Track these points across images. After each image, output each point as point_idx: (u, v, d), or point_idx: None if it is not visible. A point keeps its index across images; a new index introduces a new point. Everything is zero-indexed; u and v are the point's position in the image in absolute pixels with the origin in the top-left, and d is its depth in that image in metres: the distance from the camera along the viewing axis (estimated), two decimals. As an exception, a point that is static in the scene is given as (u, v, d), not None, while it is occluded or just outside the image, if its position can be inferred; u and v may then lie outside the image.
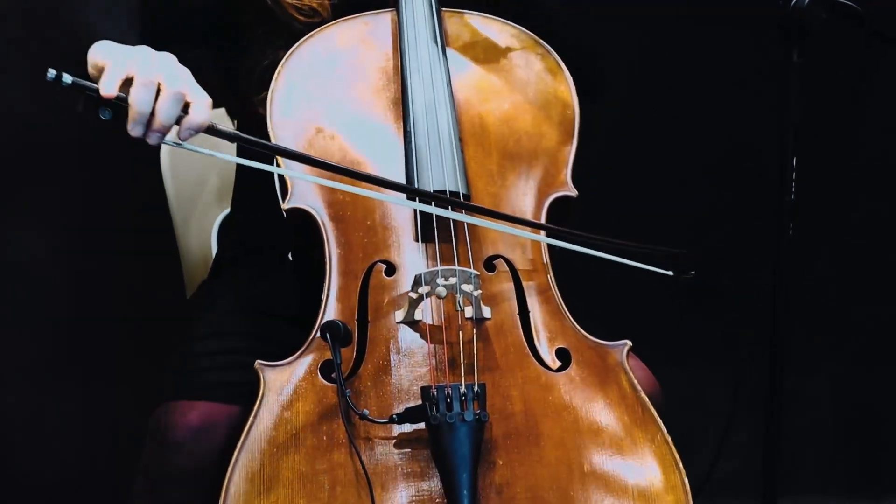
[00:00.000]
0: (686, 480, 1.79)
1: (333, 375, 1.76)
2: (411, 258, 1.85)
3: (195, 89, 1.68)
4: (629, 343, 1.87)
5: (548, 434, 1.78)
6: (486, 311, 1.82)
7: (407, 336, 1.81)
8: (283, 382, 1.78)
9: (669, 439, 1.81)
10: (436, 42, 1.97)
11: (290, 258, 2.02)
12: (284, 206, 1.86)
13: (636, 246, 1.88)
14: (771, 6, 2.03)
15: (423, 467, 1.74)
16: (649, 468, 1.78)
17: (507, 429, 1.77)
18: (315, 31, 1.97)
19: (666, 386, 1.99)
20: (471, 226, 1.85)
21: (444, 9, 2.02)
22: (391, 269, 1.85)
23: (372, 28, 1.99)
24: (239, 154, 1.92)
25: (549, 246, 1.91)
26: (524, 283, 1.87)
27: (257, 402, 1.76)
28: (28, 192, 2.82)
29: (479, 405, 1.74)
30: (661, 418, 1.82)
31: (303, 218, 1.86)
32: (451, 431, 1.71)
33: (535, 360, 1.83)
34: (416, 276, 1.79)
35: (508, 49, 2.01)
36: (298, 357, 1.80)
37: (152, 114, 1.64)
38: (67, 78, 1.58)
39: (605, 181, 1.95)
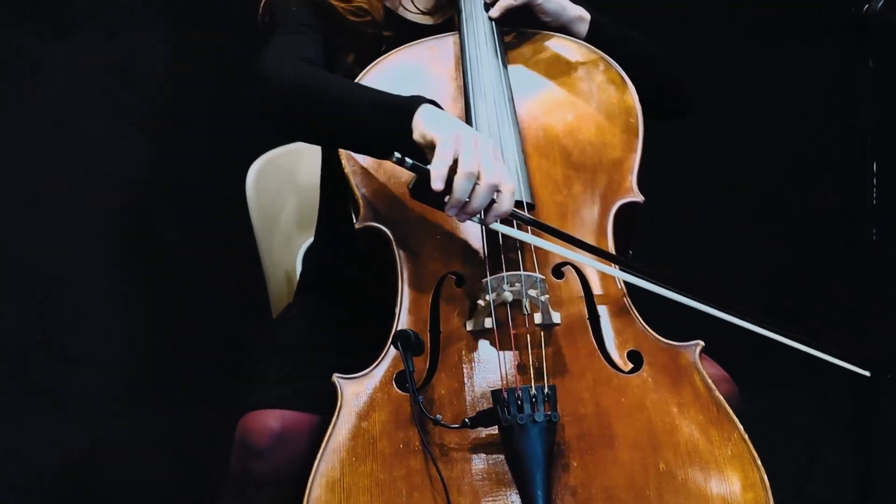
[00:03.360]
0: (765, 477, 1.78)
1: (407, 385, 1.80)
2: (480, 268, 1.88)
3: (505, 178, 1.78)
4: (701, 343, 1.87)
5: (622, 435, 1.79)
6: (556, 317, 1.85)
7: (477, 343, 1.85)
8: (360, 393, 1.83)
9: (747, 437, 1.80)
10: (497, 60, 2.01)
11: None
12: (357, 225, 1.92)
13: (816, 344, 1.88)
14: (844, 11, 2.02)
15: (498, 470, 1.77)
16: (727, 466, 1.78)
17: (580, 431, 1.79)
18: (383, 56, 2.03)
19: (750, 407, 1.96)
20: (536, 232, 1.88)
21: (504, 28, 2.07)
22: (461, 280, 1.89)
23: (437, 51, 2.05)
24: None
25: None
26: (593, 288, 1.90)
27: (335, 414, 1.81)
28: (109, 224, 2.95)
29: (550, 406, 1.77)
30: (738, 419, 1.82)
31: (375, 236, 1.92)
32: (522, 433, 1.74)
33: (606, 363, 1.85)
34: (482, 283, 1.83)
35: (569, 62, 2.05)
36: (373, 369, 1.85)
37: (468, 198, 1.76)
38: (408, 161, 1.76)
39: (675, 192, 1.94)
